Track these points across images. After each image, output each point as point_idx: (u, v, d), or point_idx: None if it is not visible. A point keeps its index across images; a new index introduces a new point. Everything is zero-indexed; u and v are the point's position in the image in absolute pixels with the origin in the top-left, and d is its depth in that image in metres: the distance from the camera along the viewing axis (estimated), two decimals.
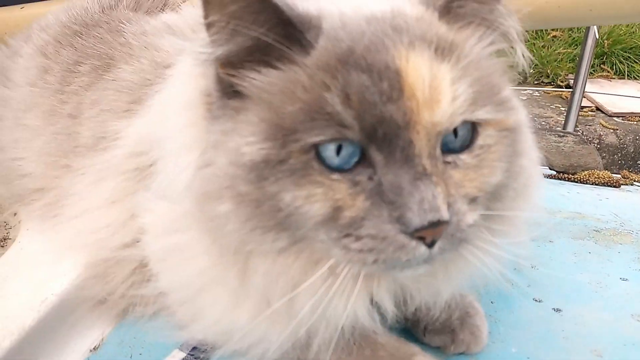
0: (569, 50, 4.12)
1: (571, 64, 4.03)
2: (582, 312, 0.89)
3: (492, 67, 0.61)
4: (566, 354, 0.80)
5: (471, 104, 0.56)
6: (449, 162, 0.57)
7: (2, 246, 1.01)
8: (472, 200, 0.58)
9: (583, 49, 2.45)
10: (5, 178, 1.01)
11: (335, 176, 0.53)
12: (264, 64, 0.56)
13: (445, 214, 0.52)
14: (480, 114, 0.57)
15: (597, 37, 2.45)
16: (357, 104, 0.51)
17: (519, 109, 0.64)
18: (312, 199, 0.53)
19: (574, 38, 4.22)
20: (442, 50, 0.55)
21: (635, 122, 3.51)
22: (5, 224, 1.07)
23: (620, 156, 3.32)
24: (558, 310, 0.90)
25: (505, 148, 0.60)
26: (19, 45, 1.10)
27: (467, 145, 0.58)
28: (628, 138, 3.35)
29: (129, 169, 0.82)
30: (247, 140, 0.55)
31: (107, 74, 0.94)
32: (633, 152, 3.33)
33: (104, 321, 0.83)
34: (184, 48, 0.75)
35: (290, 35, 0.55)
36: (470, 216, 0.56)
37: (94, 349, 0.80)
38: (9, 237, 1.03)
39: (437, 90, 0.53)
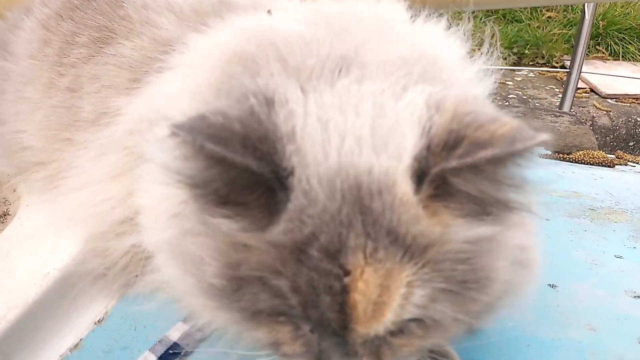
0: (564, 31, 4.12)
1: (566, 45, 4.03)
2: (577, 288, 0.91)
3: (482, 253, 0.52)
4: (561, 328, 0.82)
5: (425, 307, 0.50)
6: (391, 331, 0.53)
7: (2, 222, 1.01)
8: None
9: (580, 29, 2.45)
10: (7, 151, 1.00)
11: (281, 319, 0.55)
12: (228, 216, 0.53)
13: None
14: (434, 314, 0.51)
15: (591, 16, 2.45)
16: (304, 296, 0.50)
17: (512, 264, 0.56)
18: (257, 332, 0.57)
19: (569, 19, 4.21)
20: (412, 254, 0.49)
21: (628, 104, 3.53)
22: (5, 200, 1.06)
23: (613, 138, 3.34)
24: (554, 286, 0.91)
25: (461, 326, 0.55)
26: (18, 18, 1.08)
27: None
28: (621, 120, 3.37)
29: (129, 145, 0.81)
30: (209, 261, 0.54)
31: (107, 47, 0.92)
32: (625, 134, 3.36)
33: (108, 294, 0.83)
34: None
35: (256, 196, 0.51)
36: None
37: (98, 321, 0.81)
38: (9, 213, 1.03)
39: (384, 306, 0.49)
